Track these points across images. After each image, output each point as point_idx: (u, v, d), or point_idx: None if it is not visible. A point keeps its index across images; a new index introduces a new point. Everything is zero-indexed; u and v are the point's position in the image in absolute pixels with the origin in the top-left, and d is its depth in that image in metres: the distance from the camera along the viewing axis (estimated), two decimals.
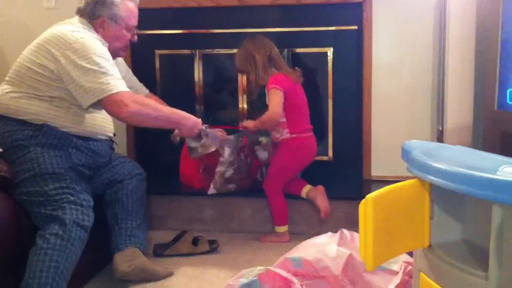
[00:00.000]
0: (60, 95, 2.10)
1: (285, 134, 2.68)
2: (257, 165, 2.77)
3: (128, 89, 2.14)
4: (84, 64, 2.05)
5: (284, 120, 2.66)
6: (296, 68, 2.76)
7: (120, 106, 2.07)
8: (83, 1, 2.27)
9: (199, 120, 2.38)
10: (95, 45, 2.14)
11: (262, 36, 2.76)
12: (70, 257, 1.88)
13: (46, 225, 1.90)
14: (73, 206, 1.94)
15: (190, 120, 2.32)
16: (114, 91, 2.07)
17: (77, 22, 2.25)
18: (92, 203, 2.04)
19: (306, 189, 2.71)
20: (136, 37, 2.41)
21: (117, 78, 2.11)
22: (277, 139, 2.71)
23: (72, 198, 1.95)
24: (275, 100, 2.60)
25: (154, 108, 2.19)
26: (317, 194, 2.69)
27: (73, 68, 2.05)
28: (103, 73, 2.07)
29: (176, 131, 2.43)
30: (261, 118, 2.66)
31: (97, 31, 2.25)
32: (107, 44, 2.25)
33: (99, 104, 2.10)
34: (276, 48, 2.73)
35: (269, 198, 2.70)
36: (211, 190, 2.67)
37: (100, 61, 2.08)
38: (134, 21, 2.36)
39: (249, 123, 2.70)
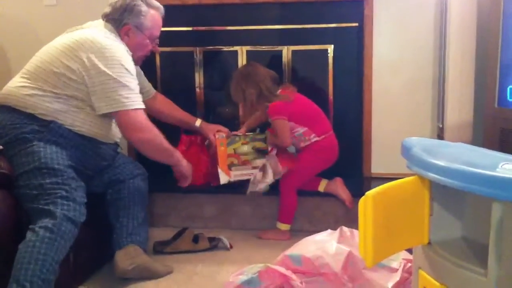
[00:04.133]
0: (77, 95, 2.10)
1: (313, 138, 2.70)
2: None
3: (143, 107, 2.20)
4: (109, 72, 2.09)
5: (306, 129, 2.69)
6: (288, 84, 2.81)
7: (135, 128, 2.16)
8: (110, 7, 2.28)
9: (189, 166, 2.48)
10: (123, 55, 2.16)
11: (255, 65, 2.74)
12: (59, 250, 1.87)
13: (37, 219, 1.90)
14: (65, 202, 1.94)
15: (183, 166, 2.45)
16: (131, 108, 2.13)
17: (103, 27, 2.25)
18: (85, 200, 2.03)
19: (324, 183, 2.74)
20: (157, 47, 2.43)
21: (136, 93, 2.18)
22: (304, 143, 2.73)
23: (65, 194, 1.95)
24: (282, 130, 2.67)
25: (161, 142, 2.27)
26: (337, 187, 2.72)
27: (97, 73, 2.08)
28: (125, 86, 2.12)
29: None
30: (275, 141, 2.70)
31: (121, 38, 2.26)
32: (131, 53, 2.27)
33: (111, 115, 2.17)
34: (268, 79, 2.68)
35: (282, 194, 2.69)
36: (223, 178, 2.64)
37: (125, 73, 2.13)
38: (158, 32, 2.38)
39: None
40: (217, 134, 2.65)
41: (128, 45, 2.27)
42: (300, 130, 2.70)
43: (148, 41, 2.34)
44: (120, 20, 2.26)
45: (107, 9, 2.29)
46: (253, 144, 2.68)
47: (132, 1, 2.27)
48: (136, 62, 2.30)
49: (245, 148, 2.68)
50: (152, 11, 2.33)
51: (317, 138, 2.70)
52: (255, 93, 2.66)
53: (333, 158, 2.76)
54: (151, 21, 2.32)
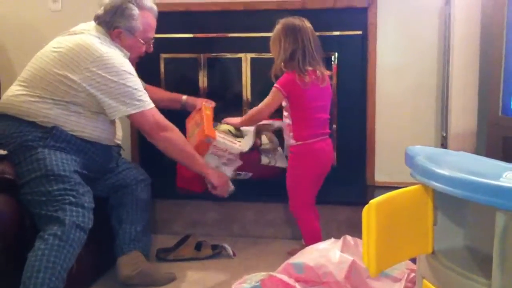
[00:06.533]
0: (76, 101, 2.11)
1: (289, 137, 2.44)
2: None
3: (154, 105, 2.23)
4: (115, 79, 2.10)
5: (290, 122, 2.42)
6: (323, 69, 2.45)
7: (158, 126, 2.22)
8: (102, 9, 2.25)
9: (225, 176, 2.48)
10: (121, 60, 2.17)
11: (305, 21, 2.44)
12: (68, 258, 1.88)
13: (46, 226, 1.91)
14: (74, 208, 1.94)
15: (210, 175, 2.40)
16: (148, 107, 2.19)
17: (94, 30, 2.24)
18: (93, 205, 2.04)
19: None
20: (152, 48, 2.41)
21: (146, 93, 2.22)
22: (288, 142, 2.49)
23: (73, 200, 1.96)
24: (269, 99, 2.40)
25: (183, 142, 2.32)
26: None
27: (103, 81, 2.09)
28: (135, 88, 2.15)
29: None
30: (250, 111, 2.53)
31: (113, 40, 2.25)
32: (128, 54, 2.27)
33: (128, 119, 2.21)
34: (311, 43, 2.39)
35: (295, 217, 2.52)
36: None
37: (130, 77, 2.15)
38: (151, 33, 2.36)
39: (232, 120, 2.65)
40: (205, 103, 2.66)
41: (121, 46, 2.26)
42: (288, 120, 2.42)
43: (140, 43, 2.32)
44: (111, 23, 2.23)
45: (99, 11, 2.26)
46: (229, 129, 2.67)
47: (122, 4, 2.23)
48: (130, 62, 2.28)
49: (223, 128, 2.65)
50: (144, 13, 2.29)
51: (293, 142, 2.41)
52: (290, 49, 2.34)
53: (320, 166, 2.45)
54: (143, 23, 2.29)
